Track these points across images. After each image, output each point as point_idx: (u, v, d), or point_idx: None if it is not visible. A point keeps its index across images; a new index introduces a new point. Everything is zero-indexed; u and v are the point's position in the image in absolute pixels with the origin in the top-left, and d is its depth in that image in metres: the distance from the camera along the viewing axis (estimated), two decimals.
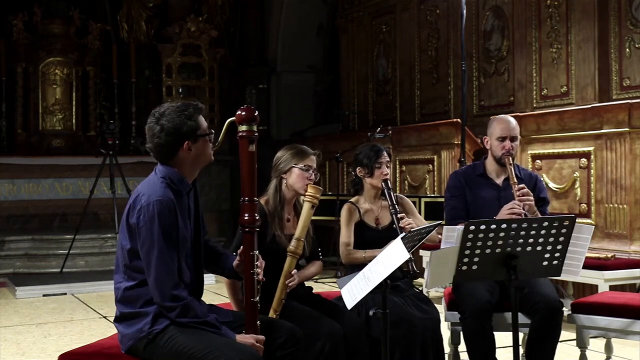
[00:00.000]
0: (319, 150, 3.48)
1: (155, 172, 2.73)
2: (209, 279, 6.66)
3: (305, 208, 3.18)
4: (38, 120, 10.39)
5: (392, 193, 3.57)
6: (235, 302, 3.26)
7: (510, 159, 3.68)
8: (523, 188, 3.57)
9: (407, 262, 3.27)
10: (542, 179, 4.01)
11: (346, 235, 3.65)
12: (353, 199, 3.76)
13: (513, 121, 3.80)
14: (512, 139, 3.72)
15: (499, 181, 3.78)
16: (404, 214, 3.52)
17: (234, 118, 2.67)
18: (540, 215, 3.59)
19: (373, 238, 3.61)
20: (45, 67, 10.43)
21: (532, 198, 3.57)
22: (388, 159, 3.69)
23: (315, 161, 3.36)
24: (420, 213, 6.93)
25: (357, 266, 3.41)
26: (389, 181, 3.64)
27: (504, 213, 3.51)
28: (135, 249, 2.63)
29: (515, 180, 3.60)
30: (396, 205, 3.51)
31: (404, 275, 3.62)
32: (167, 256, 2.58)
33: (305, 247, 3.27)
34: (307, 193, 3.20)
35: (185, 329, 2.60)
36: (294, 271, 3.17)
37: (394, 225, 3.47)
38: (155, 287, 2.58)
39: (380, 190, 3.68)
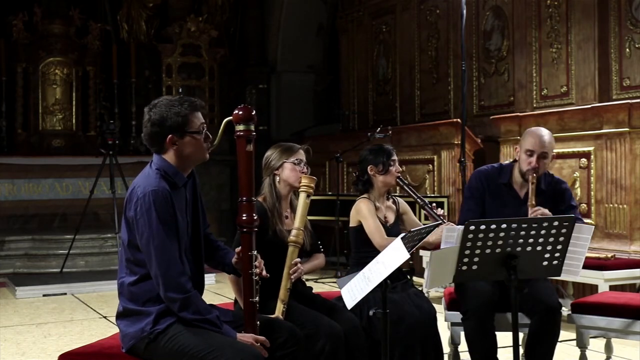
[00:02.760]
0: (307, 145, 3.52)
1: (150, 164, 2.73)
2: (209, 279, 6.66)
3: (302, 198, 3.21)
4: (38, 120, 10.38)
5: (411, 187, 3.68)
6: (242, 299, 3.27)
7: (534, 177, 3.53)
8: (538, 210, 3.44)
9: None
10: (568, 186, 3.82)
11: (377, 227, 3.61)
12: (365, 195, 3.76)
13: (547, 137, 3.59)
14: (542, 155, 3.55)
15: (522, 193, 3.66)
16: (434, 204, 3.59)
17: (231, 117, 2.67)
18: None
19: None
20: (45, 67, 10.42)
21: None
22: (397, 158, 3.78)
23: (304, 155, 3.41)
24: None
25: (361, 264, 3.41)
26: (402, 179, 3.72)
27: None
28: (135, 242, 2.63)
29: (533, 202, 3.48)
30: (422, 197, 3.62)
31: (404, 276, 3.64)
32: (167, 244, 2.58)
33: (305, 240, 3.28)
34: (301, 183, 3.25)
35: (187, 329, 2.59)
36: (298, 260, 3.18)
37: (432, 213, 3.51)
38: (159, 275, 2.57)
39: (388, 189, 3.74)
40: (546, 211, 3.46)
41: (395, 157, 3.74)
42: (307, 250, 3.41)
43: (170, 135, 2.66)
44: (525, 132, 3.71)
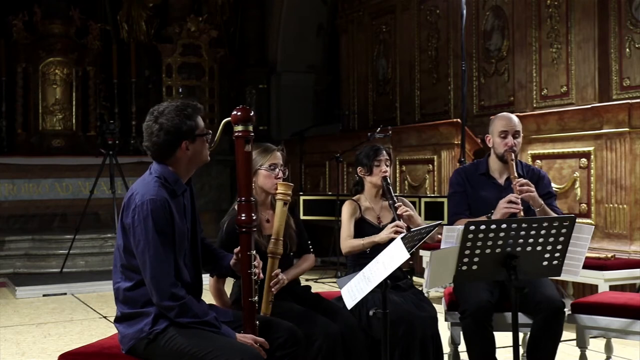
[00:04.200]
0: (282, 145, 3.48)
1: (150, 171, 2.72)
2: (209, 279, 6.66)
3: (278, 206, 3.12)
4: (38, 120, 10.39)
5: (391, 188, 3.62)
6: (220, 302, 3.26)
7: (513, 155, 3.63)
8: (523, 182, 3.53)
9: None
10: (546, 173, 3.92)
11: (347, 229, 3.67)
12: (354, 197, 3.79)
13: (515, 117, 3.77)
14: (515, 134, 3.69)
15: (501, 180, 3.74)
16: (401, 203, 3.57)
17: (229, 118, 2.67)
18: (546, 206, 3.58)
19: (374, 234, 3.63)
20: (45, 67, 10.43)
21: (532, 189, 3.52)
22: (387, 158, 3.73)
23: (280, 157, 3.33)
24: (420, 213, 6.96)
25: (358, 265, 3.42)
26: (388, 178, 3.68)
27: (501, 206, 3.49)
28: (131, 248, 2.63)
29: (515, 175, 3.57)
30: (394, 197, 3.57)
31: (404, 276, 3.64)
32: (162, 254, 2.57)
33: (288, 245, 3.26)
34: (277, 191, 3.15)
35: (187, 329, 2.59)
36: (278, 271, 3.11)
37: (392, 213, 3.52)
38: (152, 286, 2.57)
39: (381, 188, 3.71)
40: (528, 182, 3.54)
41: (381, 157, 3.69)
42: (293, 252, 3.37)
43: (184, 141, 2.66)
44: (493, 119, 3.84)
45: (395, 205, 3.53)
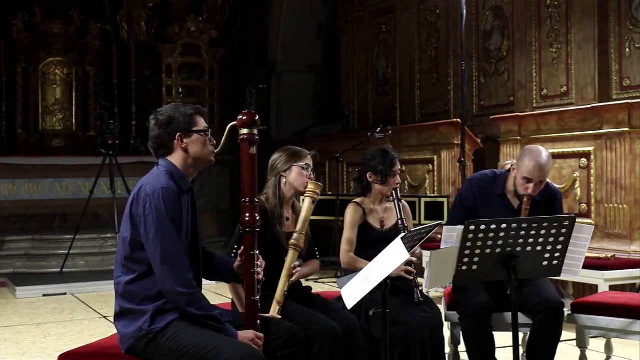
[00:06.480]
0: (315, 151, 3.54)
1: (158, 167, 2.76)
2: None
3: (307, 203, 3.24)
4: (38, 120, 10.38)
5: (400, 204, 3.62)
6: (240, 303, 3.27)
7: (529, 202, 3.49)
8: None
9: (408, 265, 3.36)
10: (562, 196, 3.79)
11: (349, 236, 3.66)
12: (358, 200, 3.76)
13: (545, 164, 3.48)
14: (539, 182, 3.50)
15: (516, 204, 3.63)
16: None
17: (235, 122, 2.72)
18: None
19: (377, 239, 3.62)
20: (45, 67, 10.42)
21: None
22: (400, 167, 3.75)
23: (312, 161, 3.44)
24: (420, 213, 6.96)
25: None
26: (398, 191, 3.68)
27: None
28: (137, 240, 2.63)
29: None
30: (404, 220, 3.58)
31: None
32: (175, 240, 2.59)
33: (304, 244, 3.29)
34: (307, 189, 3.28)
35: (186, 328, 2.60)
36: (297, 263, 3.20)
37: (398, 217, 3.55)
38: (165, 271, 2.57)
39: (387, 196, 3.72)
40: None
41: (396, 168, 3.70)
42: (303, 255, 3.39)
43: (178, 134, 2.70)
44: (524, 154, 3.56)
45: (406, 227, 3.54)
